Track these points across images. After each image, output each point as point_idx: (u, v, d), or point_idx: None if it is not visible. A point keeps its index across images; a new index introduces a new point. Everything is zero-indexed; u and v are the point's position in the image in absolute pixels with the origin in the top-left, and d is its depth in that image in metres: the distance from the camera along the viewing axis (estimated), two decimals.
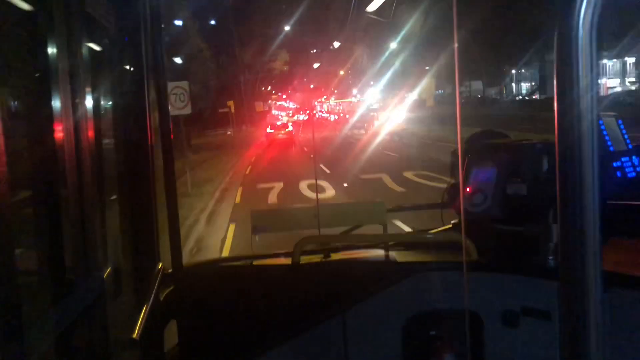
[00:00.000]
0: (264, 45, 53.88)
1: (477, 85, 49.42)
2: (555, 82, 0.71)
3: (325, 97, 74.22)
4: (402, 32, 39.64)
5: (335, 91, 76.14)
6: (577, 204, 0.70)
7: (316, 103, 73.74)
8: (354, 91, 72.76)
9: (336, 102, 72.26)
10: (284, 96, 78.27)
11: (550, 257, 1.97)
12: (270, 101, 68.37)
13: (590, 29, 0.68)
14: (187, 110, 13.29)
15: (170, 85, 12.45)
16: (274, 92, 74.56)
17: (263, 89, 62.45)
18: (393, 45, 43.59)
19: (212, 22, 40.88)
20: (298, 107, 67.06)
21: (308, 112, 47.37)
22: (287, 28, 48.37)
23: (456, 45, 1.54)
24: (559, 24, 0.70)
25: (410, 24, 37.65)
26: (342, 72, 63.46)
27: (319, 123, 49.78)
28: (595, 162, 0.69)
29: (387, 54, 45.55)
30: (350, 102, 68.55)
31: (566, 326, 0.74)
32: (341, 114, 54.77)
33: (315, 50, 71.22)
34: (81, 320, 1.37)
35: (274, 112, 68.93)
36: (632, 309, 1.65)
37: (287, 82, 69.94)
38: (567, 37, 0.69)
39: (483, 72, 45.08)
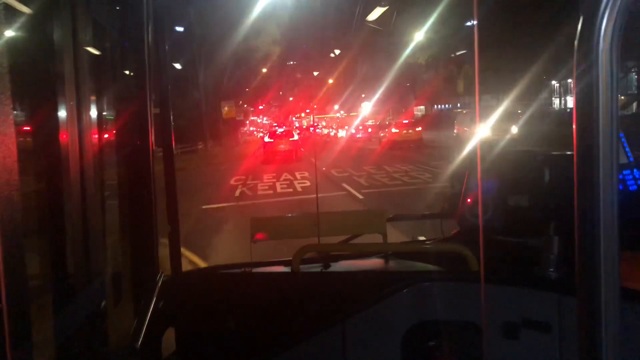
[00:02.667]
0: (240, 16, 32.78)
1: (493, 100, 42.00)
2: (574, 93, 0.70)
3: (307, 110, 66.44)
4: (403, 43, 35.79)
5: (315, 107, 69.20)
6: (595, 216, 0.69)
7: (294, 119, 66.55)
8: (336, 106, 66.16)
9: (318, 118, 65.03)
10: (261, 107, 69.32)
11: (551, 269, 1.95)
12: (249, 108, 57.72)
13: (611, 39, 0.67)
14: None
15: None
16: (245, 105, 65.27)
17: (241, 103, 50.28)
18: (392, 55, 39.39)
19: None
20: (273, 122, 59.09)
21: (297, 125, 38.82)
22: None
23: (477, 60, 1.38)
24: (579, 33, 0.69)
25: (411, 34, 34.15)
26: (331, 81, 55.77)
27: (318, 141, 39.29)
28: (615, 175, 0.69)
29: (386, 64, 41.13)
30: (337, 117, 61.54)
31: (582, 340, 0.74)
32: (359, 128, 42.47)
33: (293, 62, 63.46)
34: (82, 327, 1.37)
35: (252, 128, 60.09)
36: (633, 323, 1.63)
37: (262, 94, 60.72)
38: (587, 47, 0.68)
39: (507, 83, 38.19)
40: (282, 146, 24.43)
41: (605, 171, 0.69)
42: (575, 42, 0.70)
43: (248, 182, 16.00)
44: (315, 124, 57.47)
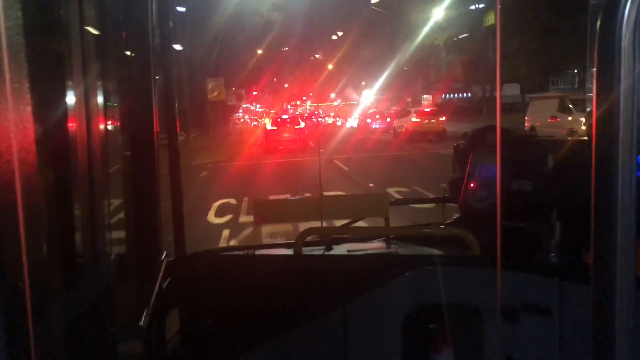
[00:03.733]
0: None
1: (513, 90, 38.02)
2: (595, 81, 0.70)
3: (304, 97, 62.42)
4: (413, 25, 34.60)
5: (310, 94, 65.52)
6: (613, 205, 0.69)
7: (288, 106, 62.79)
8: (332, 94, 62.51)
9: (315, 106, 61.38)
10: (255, 93, 65.03)
11: (552, 254, 1.97)
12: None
13: (633, 27, 0.67)
14: None
15: None
16: (235, 89, 60.49)
17: (234, 90, 44.30)
18: (399, 39, 39.14)
19: None
20: (268, 110, 55.25)
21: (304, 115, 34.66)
22: None
23: (499, 43, 1.45)
24: (601, 21, 0.69)
25: (422, 15, 33.10)
26: (330, 67, 51.96)
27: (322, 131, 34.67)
28: (634, 163, 0.69)
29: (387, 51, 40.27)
30: (337, 105, 57.96)
31: (596, 327, 0.74)
32: (376, 117, 34.86)
33: (287, 48, 59.44)
34: (87, 308, 1.38)
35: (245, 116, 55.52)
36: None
37: (255, 80, 56.17)
38: (609, 36, 0.68)
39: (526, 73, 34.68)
40: (286, 135, 21.61)
41: (624, 160, 0.68)
42: (597, 30, 0.69)
43: (242, 218, 8.64)
44: (317, 112, 53.67)
